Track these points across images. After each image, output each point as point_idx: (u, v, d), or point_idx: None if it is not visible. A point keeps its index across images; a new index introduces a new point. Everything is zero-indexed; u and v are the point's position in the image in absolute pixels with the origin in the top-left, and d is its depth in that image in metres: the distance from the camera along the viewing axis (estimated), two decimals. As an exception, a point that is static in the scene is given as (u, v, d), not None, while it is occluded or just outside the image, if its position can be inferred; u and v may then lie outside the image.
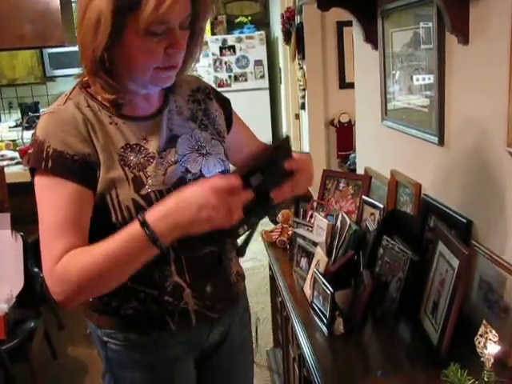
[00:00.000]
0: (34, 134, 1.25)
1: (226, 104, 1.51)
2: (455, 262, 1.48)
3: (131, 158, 1.26)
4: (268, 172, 1.17)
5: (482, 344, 1.11)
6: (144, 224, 1.12)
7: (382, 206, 2.04)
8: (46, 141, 1.21)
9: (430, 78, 1.89)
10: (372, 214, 2.09)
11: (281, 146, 1.23)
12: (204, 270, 1.37)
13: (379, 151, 2.54)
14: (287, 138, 1.23)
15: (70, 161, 1.20)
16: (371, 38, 2.40)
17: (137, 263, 1.17)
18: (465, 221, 1.69)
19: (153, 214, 1.13)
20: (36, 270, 2.96)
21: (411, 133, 2.09)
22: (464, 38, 1.61)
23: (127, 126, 1.28)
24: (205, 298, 1.38)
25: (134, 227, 1.13)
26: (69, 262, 1.16)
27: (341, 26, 4.53)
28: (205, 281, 1.38)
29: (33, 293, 2.88)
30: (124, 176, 1.24)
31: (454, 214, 1.74)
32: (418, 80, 2.01)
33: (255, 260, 4.63)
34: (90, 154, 1.22)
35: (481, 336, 1.11)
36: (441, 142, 1.86)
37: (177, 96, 1.40)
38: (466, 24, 1.60)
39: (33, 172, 1.24)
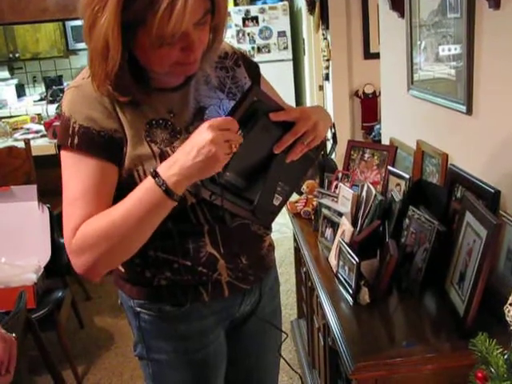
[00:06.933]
0: (58, 107, 1.24)
1: (253, 69, 1.46)
2: (483, 232, 1.46)
3: (158, 133, 1.24)
4: (250, 123, 1.16)
5: (511, 313, 1.10)
6: (155, 175, 1.11)
7: (407, 176, 2.02)
8: (72, 117, 1.20)
9: (457, 47, 1.85)
10: (398, 184, 2.07)
11: (249, 95, 1.18)
12: (238, 242, 1.37)
13: (405, 121, 2.51)
14: (252, 87, 1.20)
15: (96, 137, 1.19)
16: (397, 5, 2.36)
17: (154, 218, 1.16)
18: (492, 191, 1.66)
19: (162, 166, 1.13)
20: (62, 241, 2.99)
21: (438, 102, 2.06)
22: (495, 2, 1.57)
23: (154, 99, 1.25)
24: (238, 269, 1.38)
25: (147, 181, 1.13)
26: (86, 229, 1.16)
27: (365, -6, 4.47)
28: (239, 253, 1.38)
29: (59, 264, 2.92)
30: (151, 152, 1.23)
31: (481, 184, 1.72)
32: (445, 48, 1.97)
33: (279, 232, 4.65)
34: (117, 130, 1.21)
35: (510, 305, 1.10)
36: (469, 111, 1.83)
37: (204, 64, 1.33)
38: (498, -14, 1.56)
39: (59, 147, 1.24)
